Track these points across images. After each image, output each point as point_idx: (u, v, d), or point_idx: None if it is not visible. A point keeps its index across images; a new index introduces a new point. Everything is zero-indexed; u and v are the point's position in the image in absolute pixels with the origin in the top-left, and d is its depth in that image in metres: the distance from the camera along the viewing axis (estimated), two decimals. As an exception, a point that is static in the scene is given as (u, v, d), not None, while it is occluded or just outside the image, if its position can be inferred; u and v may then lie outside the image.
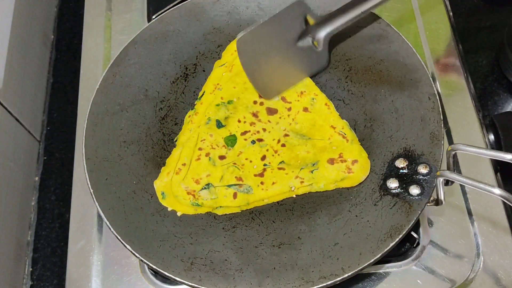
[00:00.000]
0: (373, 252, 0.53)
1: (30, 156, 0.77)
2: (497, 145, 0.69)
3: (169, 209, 0.59)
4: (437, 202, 0.55)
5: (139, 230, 0.57)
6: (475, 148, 0.52)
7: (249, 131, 0.62)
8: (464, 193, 0.66)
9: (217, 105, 0.64)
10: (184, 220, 0.58)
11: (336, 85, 0.66)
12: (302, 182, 0.59)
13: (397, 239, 0.53)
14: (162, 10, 0.77)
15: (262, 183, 0.59)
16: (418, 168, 0.56)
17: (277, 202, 0.59)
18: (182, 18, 0.71)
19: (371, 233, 0.54)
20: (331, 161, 0.59)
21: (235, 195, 0.59)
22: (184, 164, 0.60)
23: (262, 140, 0.62)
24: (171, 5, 0.76)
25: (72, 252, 0.66)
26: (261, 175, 0.60)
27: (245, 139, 0.62)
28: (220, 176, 0.60)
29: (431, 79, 0.62)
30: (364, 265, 0.52)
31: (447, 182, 0.56)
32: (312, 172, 0.59)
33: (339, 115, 0.63)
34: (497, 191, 0.48)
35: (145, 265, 0.59)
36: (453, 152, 0.53)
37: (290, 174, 0.59)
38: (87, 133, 0.62)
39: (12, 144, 0.72)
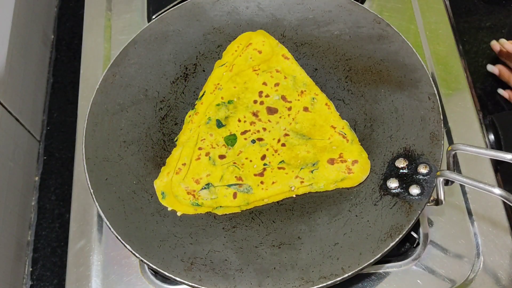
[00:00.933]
0: (373, 252, 0.53)
1: (30, 156, 0.77)
2: (497, 145, 0.69)
3: (169, 209, 0.59)
4: (437, 202, 0.55)
5: (139, 230, 0.57)
6: (475, 148, 0.52)
7: (249, 130, 0.62)
8: (464, 193, 0.66)
9: (218, 104, 0.64)
10: (184, 220, 0.58)
11: (336, 85, 0.66)
12: (302, 182, 0.59)
13: (397, 239, 0.53)
14: (162, 10, 0.77)
15: (262, 182, 0.59)
16: (418, 168, 0.56)
17: (277, 202, 0.59)
18: (182, 18, 0.71)
19: (371, 233, 0.54)
20: (331, 161, 0.59)
21: (235, 195, 0.59)
22: (184, 164, 0.60)
23: (262, 140, 0.62)
24: (171, 5, 0.76)
25: (72, 252, 0.66)
26: (261, 174, 0.60)
27: (245, 139, 0.62)
28: (220, 176, 0.60)
29: (431, 79, 0.62)
30: (364, 265, 0.52)
31: (447, 182, 0.55)
32: (312, 172, 0.59)
33: (339, 115, 0.63)
34: (497, 191, 0.48)
35: (145, 265, 0.59)
36: (453, 152, 0.53)
37: (290, 174, 0.59)
38: (87, 133, 0.62)
39: (12, 144, 0.72)
